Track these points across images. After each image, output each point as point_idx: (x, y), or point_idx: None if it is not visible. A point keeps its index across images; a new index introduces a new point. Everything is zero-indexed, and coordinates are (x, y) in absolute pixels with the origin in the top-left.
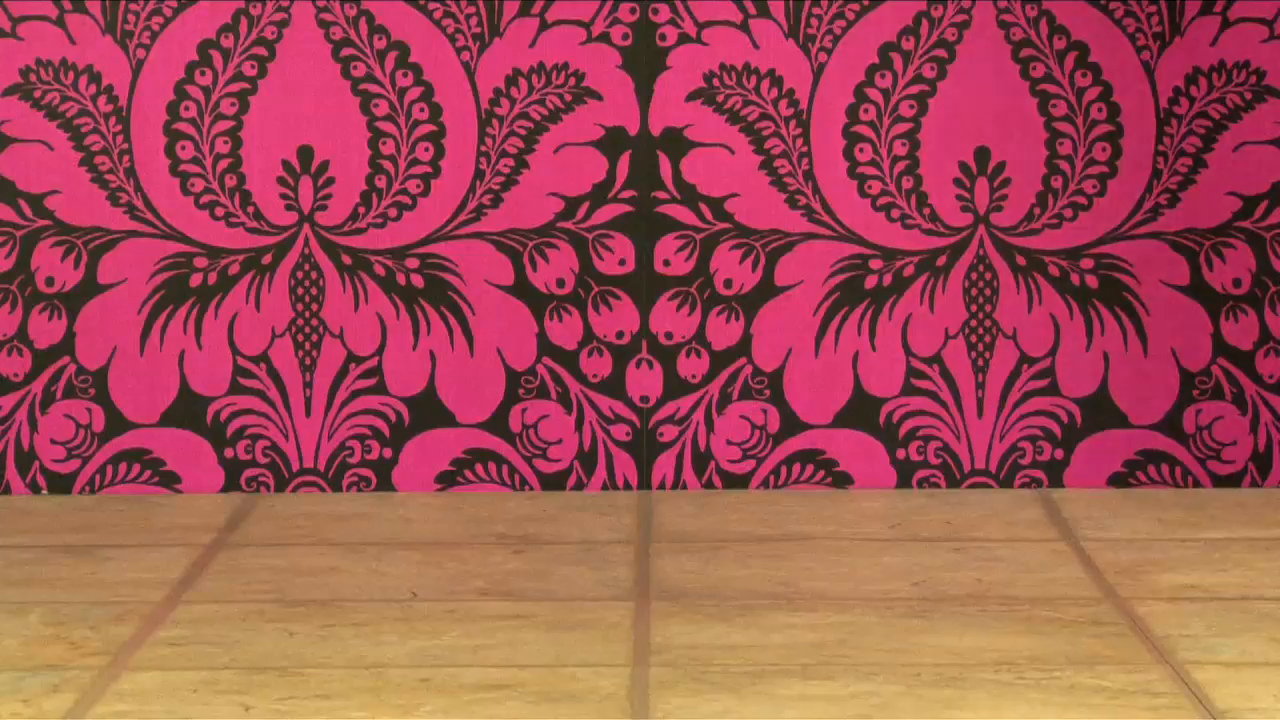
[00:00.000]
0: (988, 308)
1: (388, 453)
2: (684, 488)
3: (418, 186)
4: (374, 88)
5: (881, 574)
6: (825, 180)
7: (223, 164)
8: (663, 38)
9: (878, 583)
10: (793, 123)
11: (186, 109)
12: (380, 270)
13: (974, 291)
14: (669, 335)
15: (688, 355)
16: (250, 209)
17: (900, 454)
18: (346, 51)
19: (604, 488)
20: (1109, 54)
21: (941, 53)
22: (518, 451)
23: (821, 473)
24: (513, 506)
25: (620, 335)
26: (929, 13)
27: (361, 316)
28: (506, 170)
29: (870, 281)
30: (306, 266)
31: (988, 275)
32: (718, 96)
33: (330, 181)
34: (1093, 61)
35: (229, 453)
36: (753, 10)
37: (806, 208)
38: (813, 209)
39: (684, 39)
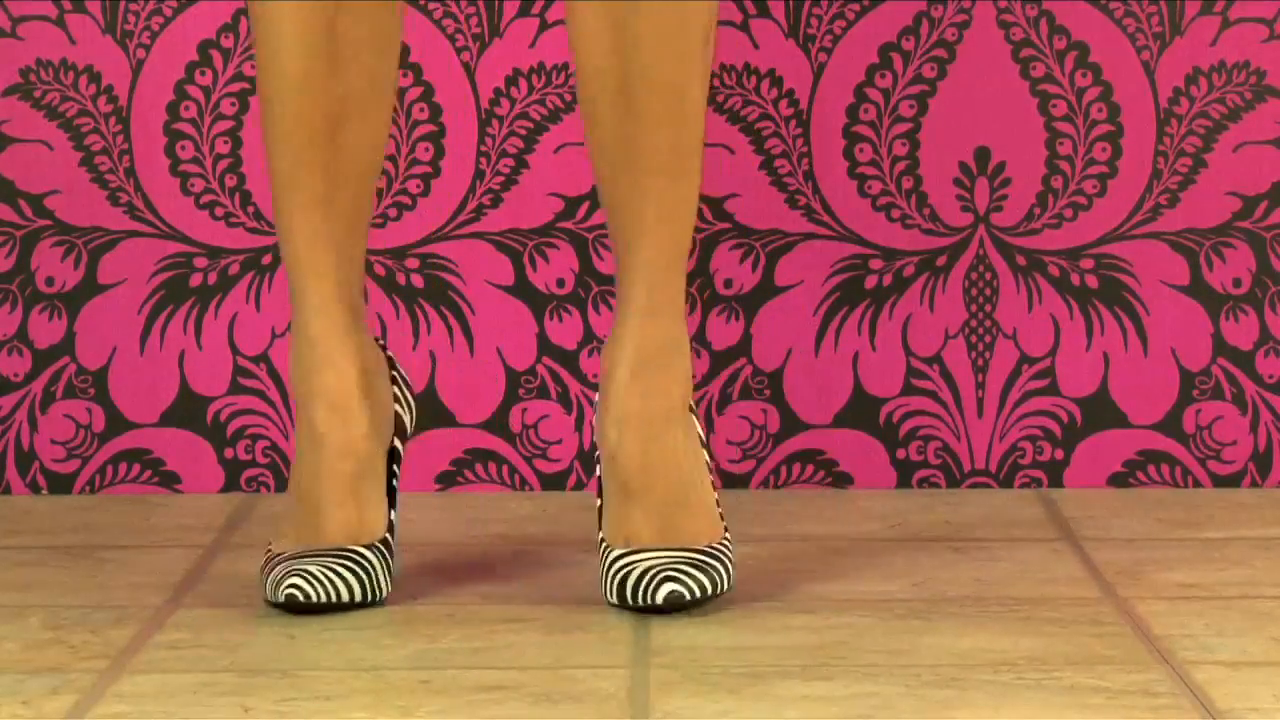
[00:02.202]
0: (988, 308)
1: None
2: None
3: (418, 186)
4: None
5: (881, 574)
6: (825, 180)
7: (223, 164)
8: None
9: (878, 583)
10: (793, 123)
11: (186, 109)
12: (380, 270)
13: (974, 291)
14: None
15: None
16: (250, 209)
17: (900, 454)
18: None
19: None
20: (1109, 54)
21: (941, 53)
22: (518, 451)
23: (821, 473)
24: (513, 506)
25: None
26: (929, 13)
27: None
28: (506, 170)
29: (870, 281)
30: None
31: (988, 275)
32: (717, 96)
33: None
34: (1093, 61)
35: (229, 453)
36: (753, 10)
37: (806, 208)
38: (813, 209)
39: None
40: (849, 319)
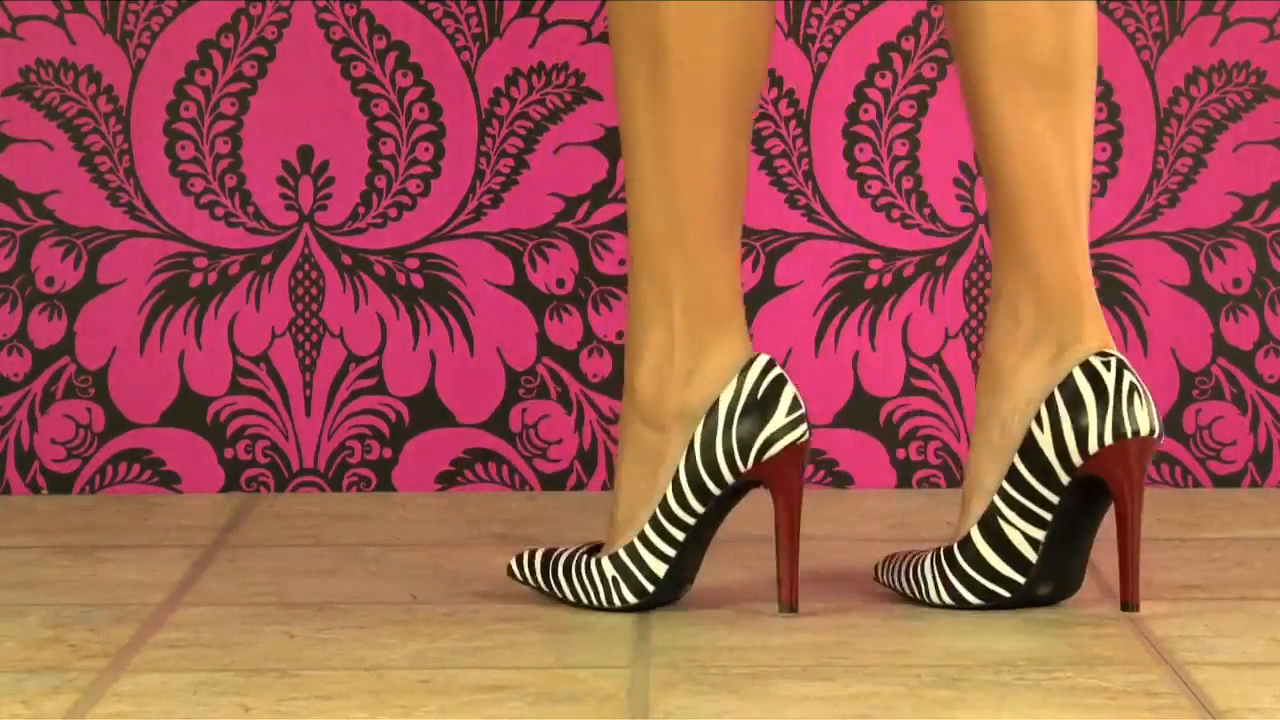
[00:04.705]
0: (988, 308)
1: (388, 453)
2: None
3: (418, 186)
4: (374, 88)
5: None
6: (825, 180)
7: (223, 164)
8: None
9: (878, 583)
10: (793, 123)
11: (186, 109)
12: (380, 270)
13: (974, 291)
14: None
15: None
16: (250, 209)
17: (900, 454)
18: (346, 51)
19: (604, 488)
20: (1108, 54)
21: (941, 53)
22: (518, 451)
23: (821, 473)
24: (513, 506)
25: (620, 335)
26: (929, 13)
27: (361, 316)
28: (506, 170)
29: (870, 281)
30: (306, 266)
31: (988, 275)
32: None
33: (330, 181)
34: None
35: (229, 453)
36: None
37: (806, 208)
38: (813, 209)
39: None
40: (849, 319)
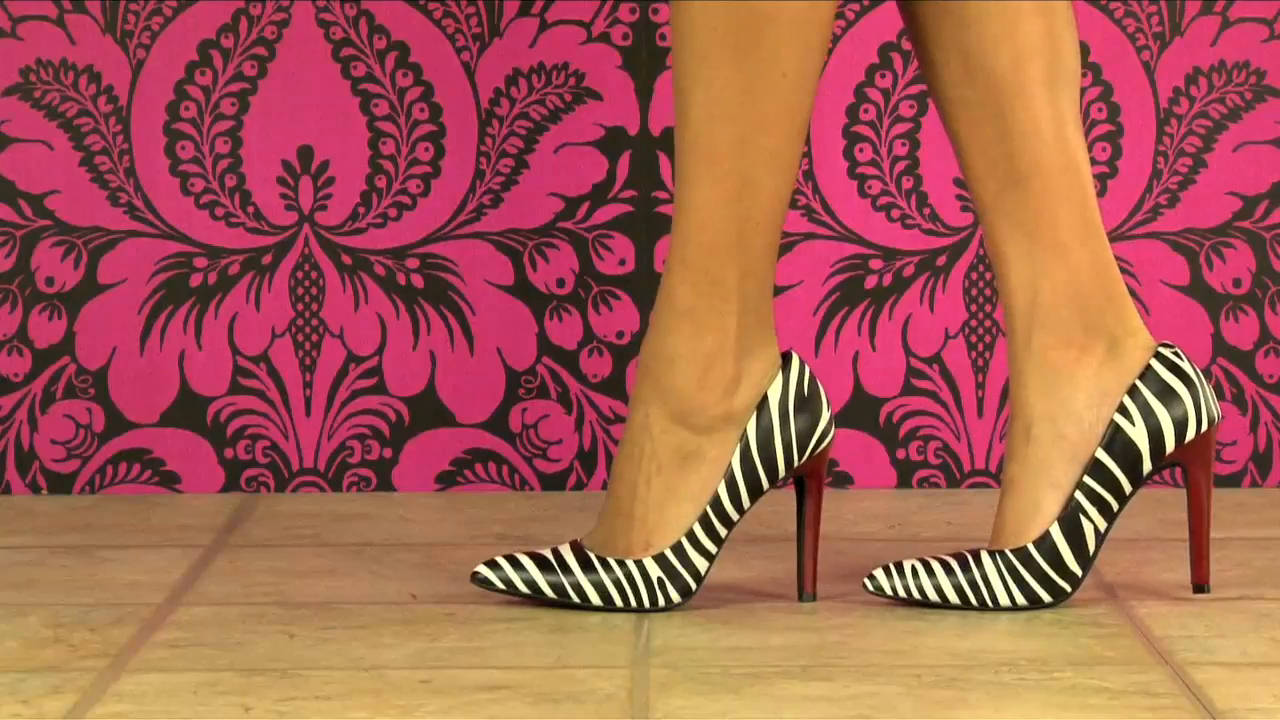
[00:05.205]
0: (988, 308)
1: (388, 453)
2: None
3: (418, 186)
4: (374, 88)
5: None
6: (825, 180)
7: (223, 164)
8: (663, 38)
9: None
10: None
11: (186, 109)
12: (380, 270)
13: (974, 291)
14: None
15: None
16: (250, 209)
17: (900, 454)
18: (346, 51)
19: (604, 488)
20: (1106, 54)
21: None
22: (518, 451)
23: None
24: (513, 506)
25: (620, 335)
26: None
27: (361, 316)
28: (506, 170)
29: (870, 281)
30: (306, 266)
31: (988, 275)
32: None
33: (330, 181)
34: (1091, 62)
35: (229, 453)
36: None
37: (806, 208)
38: (813, 209)
39: None
40: (849, 319)
